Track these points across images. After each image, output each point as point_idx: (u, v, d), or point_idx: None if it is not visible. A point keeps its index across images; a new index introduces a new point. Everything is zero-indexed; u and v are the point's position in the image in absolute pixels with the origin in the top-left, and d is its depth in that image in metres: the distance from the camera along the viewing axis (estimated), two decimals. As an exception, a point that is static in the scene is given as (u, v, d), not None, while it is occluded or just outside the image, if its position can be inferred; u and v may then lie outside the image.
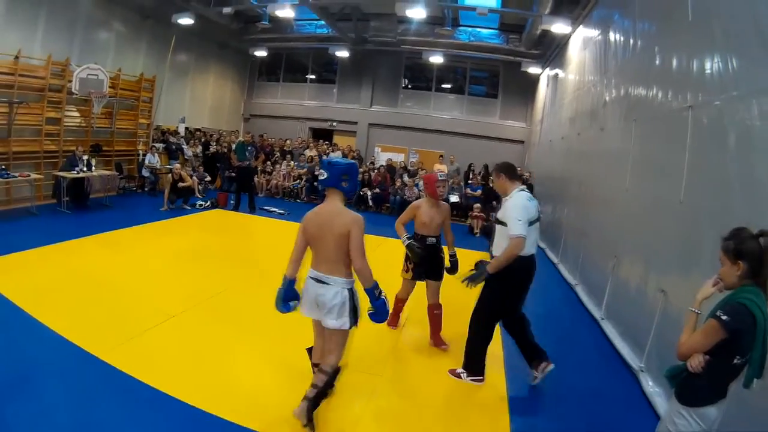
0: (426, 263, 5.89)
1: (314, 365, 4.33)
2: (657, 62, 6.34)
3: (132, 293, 6.61)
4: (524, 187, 5.11)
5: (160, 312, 6.07)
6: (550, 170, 13.42)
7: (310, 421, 3.94)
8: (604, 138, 8.55)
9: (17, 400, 4.01)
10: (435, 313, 5.99)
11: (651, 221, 6.08)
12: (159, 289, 6.93)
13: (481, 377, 5.23)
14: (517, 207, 4.78)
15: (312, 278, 4.03)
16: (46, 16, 12.49)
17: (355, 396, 4.74)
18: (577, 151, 10.40)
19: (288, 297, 4.08)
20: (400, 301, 6.33)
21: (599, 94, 9.16)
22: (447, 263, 5.77)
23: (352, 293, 4.00)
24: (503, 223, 4.85)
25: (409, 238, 5.81)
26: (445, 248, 5.98)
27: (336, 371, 4.13)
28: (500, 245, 4.86)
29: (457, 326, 5.85)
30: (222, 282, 7.50)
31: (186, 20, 15.03)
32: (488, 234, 11.70)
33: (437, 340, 6.05)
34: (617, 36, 8.36)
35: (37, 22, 12.33)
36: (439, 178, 5.89)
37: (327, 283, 3.94)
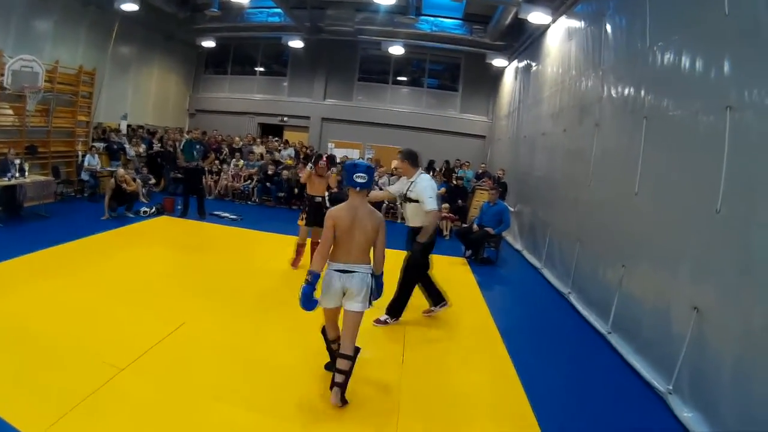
0: (314, 214, 8.05)
1: (331, 342, 4.90)
2: (678, 57, 5.75)
3: (70, 338, 5.33)
4: (423, 170, 6.69)
5: (106, 364, 4.80)
6: (527, 168, 12.71)
7: (345, 402, 4.52)
8: (601, 135, 7.94)
9: None
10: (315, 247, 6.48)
11: (674, 232, 5.51)
12: (102, 331, 5.59)
13: (398, 318, 6.67)
14: (428, 187, 6.22)
15: (337, 270, 4.49)
16: (-23, 3, 11.11)
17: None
18: (564, 149, 9.71)
19: (313, 293, 4.39)
20: (300, 246, 8.66)
21: (592, 88, 8.52)
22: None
23: (370, 277, 4.56)
24: (416, 201, 6.25)
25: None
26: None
27: (357, 351, 4.59)
28: (414, 218, 6.45)
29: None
30: (177, 313, 6.26)
31: (130, 6, 13.84)
32: (463, 236, 10.97)
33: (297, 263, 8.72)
34: (615, 27, 7.77)
35: (-33, 9, 10.95)
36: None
37: (355, 272, 4.47)
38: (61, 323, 5.72)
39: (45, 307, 6.17)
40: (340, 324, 4.74)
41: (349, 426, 4.34)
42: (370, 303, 4.62)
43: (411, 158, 6.44)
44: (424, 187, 6.19)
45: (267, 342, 5.88)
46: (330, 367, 4.85)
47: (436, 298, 6.90)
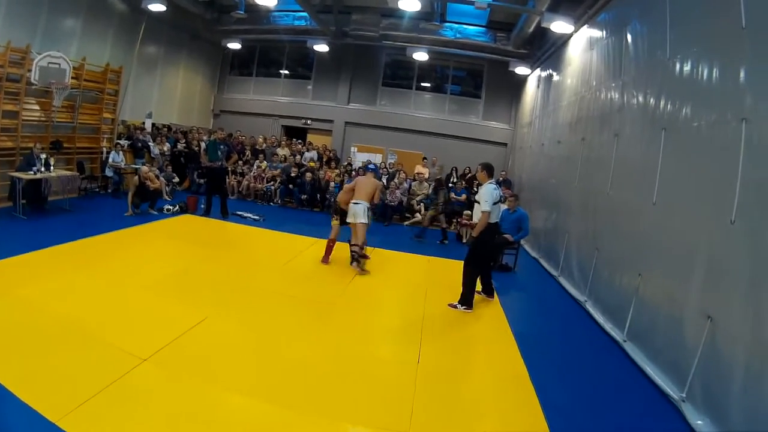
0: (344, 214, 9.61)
1: (352, 244, 9.36)
2: (696, 69, 5.78)
3: (92, 328, 5.49)
4: (493, 180, 8.06)
5: (129, 354, 4.95)
6: (545, 175, 12.71)
7: (361, 266, 9.13)
8: (620, 145, 7.93)
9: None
10: (351, 246, 9.51)
11: (690, 242, 5.52)
12: (124, 323, 5.76)
13: (471, 307, 7.86)
14: (487, 193, 7.64)
15: (354, 203, 9.09)
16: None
17: None
18: (583, 158, 9.69)
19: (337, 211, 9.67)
20: (332, 242, 9.63)
21: (612, 98, 8.53)
22: None
23: (368, 208, 9.15)
24: (478, 202, 8.18)
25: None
26: None
27: (364, 244, 9.27)
28: (477, 215, 8.43)
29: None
30: (200, 308, 6.43)
31: (157, 6, 14.03)
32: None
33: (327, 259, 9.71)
34: (636, 38, 7.80)
35: (-5, 5, 11.20)
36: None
37: (359, 203, 9.06)
38: (84, 314, 5.88)
39: (68, 298, 6.33)
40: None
41: (363, 419, 4.50)
42: (369, 221, 9.27)
43: (489, 170, 8.00)
44: (485, 193, 7.66)
45: (284, 337, 6.04)
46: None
47: (487, 288, 8.52)
